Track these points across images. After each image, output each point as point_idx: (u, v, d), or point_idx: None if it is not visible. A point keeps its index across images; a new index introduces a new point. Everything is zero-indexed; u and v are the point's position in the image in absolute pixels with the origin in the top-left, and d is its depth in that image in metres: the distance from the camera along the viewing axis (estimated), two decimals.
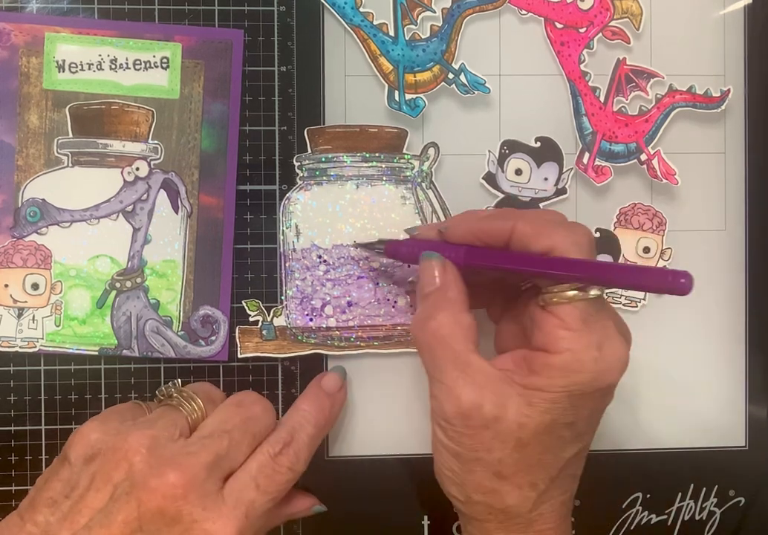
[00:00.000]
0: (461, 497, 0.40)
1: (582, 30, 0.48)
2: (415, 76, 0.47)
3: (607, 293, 0.49)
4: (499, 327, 0.44)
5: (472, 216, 0.42)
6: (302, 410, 0.43)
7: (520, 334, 0.42)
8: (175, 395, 0.43)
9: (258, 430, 0.41)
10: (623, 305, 0.49)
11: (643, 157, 0.49)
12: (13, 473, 0.47)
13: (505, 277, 0.43)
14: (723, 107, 0.49)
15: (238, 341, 0.47)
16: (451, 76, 0.47)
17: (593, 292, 0.37)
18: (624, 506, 0.50)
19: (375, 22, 0.47)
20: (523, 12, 0.48)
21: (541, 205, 0.48)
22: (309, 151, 0.47)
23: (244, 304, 0.48)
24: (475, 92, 0.48)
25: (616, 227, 0.49)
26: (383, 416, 0.49)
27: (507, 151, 0.48)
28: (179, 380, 0.45)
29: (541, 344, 0.38)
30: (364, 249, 0.46)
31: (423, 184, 0.48)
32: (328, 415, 0.44)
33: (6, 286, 0.46)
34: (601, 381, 0.37)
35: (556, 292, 0.37)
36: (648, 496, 0.50)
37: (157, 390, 0.44)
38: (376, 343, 0.48)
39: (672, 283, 0.33)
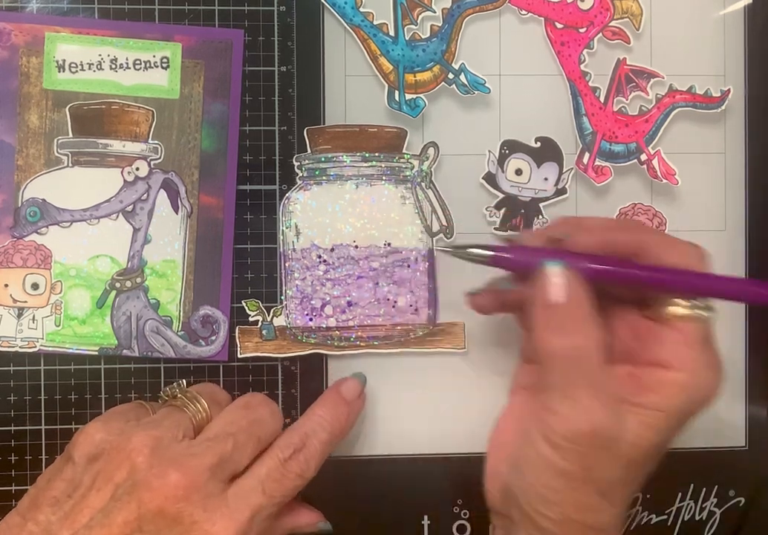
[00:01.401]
0: (555, 516, 0.37)
1: (582, 30, 0.48)
2: (415, 76, 0.47)
3: None
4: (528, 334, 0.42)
5: (595, 225, 0.41)
6: (317, 416, 0.43)
7: None
8: (179, 395, 0.43)
9: (264, 433, 0.41)
10: None
11: (643, 157, 0.48)
12: (13, 473, 0.47)
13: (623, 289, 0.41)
14: (723, 107, 0.49)
15: (238, 341, 0.47)
16: (451, 76, 0.47)
17: (713, 312, 0.37)
18: None
19: (375, 22, 0.47)
20: (523, 12, 0.48)
21: (541, 205, 0.48)
22: (309, 151, 0.47)
23: (244, 304, 0.48)
24: (475, 92, 0.48)
25: None
26: (383, 415, 0.49)
27: (507, 151, 0.48)
28: (183, 381, 0.45)
29: (656, 359, 0.37)
30: (455, 255, 0.42)
31: (423, 184, 0.48)
32: (345, 423, 0.44)
33: (6, 286, 0.46)
34: (709, 403, 0.37)
35: (688, 306, 0.37)
36: (648, 496, 0.50)
37: (162, 391, 0.44)
38: (376, 343, 0.48)
39: None
